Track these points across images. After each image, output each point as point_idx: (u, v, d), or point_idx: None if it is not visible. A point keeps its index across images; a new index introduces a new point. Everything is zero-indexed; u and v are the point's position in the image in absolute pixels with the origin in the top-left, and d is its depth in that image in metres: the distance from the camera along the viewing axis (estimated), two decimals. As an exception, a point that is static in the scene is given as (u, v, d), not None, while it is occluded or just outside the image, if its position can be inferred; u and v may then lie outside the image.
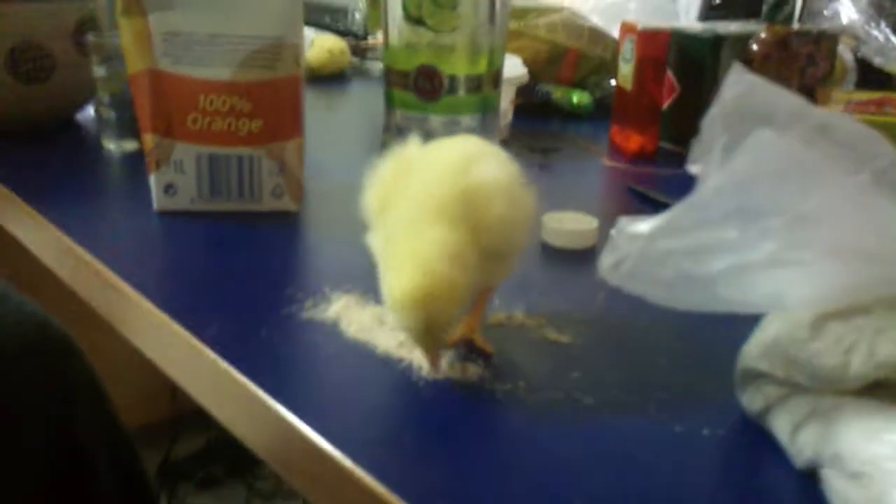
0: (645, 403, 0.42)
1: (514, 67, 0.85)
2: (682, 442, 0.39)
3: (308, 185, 0.69)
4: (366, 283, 0.51)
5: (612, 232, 0.37)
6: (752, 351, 0.39)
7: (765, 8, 1.00)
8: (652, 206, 0.70)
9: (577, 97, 0.99)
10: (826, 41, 0.83)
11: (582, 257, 0.59)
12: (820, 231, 0.34)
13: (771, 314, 0.39)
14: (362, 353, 0.46)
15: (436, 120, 0.67)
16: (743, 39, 0.82)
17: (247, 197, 0.65)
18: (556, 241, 0.60)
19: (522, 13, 1.02)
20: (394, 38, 0.66)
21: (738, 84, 0.36)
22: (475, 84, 0.66)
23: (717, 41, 0.83)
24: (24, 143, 0.80)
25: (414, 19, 0.64)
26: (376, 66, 1.23)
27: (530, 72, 0.95)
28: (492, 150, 0.47)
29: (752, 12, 0.98)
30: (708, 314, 0.38)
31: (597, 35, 1.04)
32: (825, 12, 0.88)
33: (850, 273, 0.34)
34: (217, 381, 0.45)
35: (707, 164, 0.35)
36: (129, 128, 0.79)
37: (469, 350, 0.46)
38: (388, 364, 0.45)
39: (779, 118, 0.35)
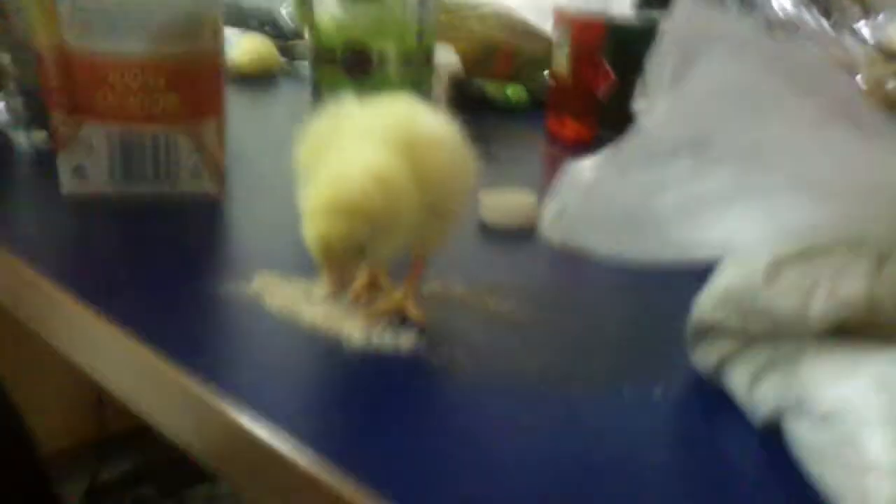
0: (592, 368, 0.39)
1: (445, 55, 0.82)
2: (632, 405, 0.37)
3: (232, 175, 0.65)
4: (290, 264, 0.47)
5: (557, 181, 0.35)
6: (705, 302, 0.36)
7: None
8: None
9: (512, 91, 0.97)
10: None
11: (522, 235, 0.56)
12: (777, 161, 0.31)
13: (725, 264, 0.36)
14: (287, 326, 0.42)
15: (366, 100, 0.64)
16: (678, 26, 0.80)
17: (163, 178, 0.60)
18: (495, 218, 0.57)
19: (454, 7, 1.00)
20: (320, 15, 0.63)
21: (685, 10, 0.33)
22: (406, 61, 0.63)
23: (653, 29, 0.81)
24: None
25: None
26: (306, 67, 1.19)
27: (464, 67, 0.93)
28: (431, 108, 0.44)
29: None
30: (657, 276, 0.36)
31: (530, 30, 1.02)
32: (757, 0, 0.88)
33: (809, 208, 0.32)
34: (130, 360, 0.41)
35: (654, 93, 0.32)
36: (39, 119, 0.74)
37: (401, 321, 0.43)
38: (315, 337, 0.41)
39: (730, 45, 0.33)
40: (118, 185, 0.60)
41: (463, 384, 0.38)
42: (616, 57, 0.81)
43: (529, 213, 0.58)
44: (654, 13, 0.86)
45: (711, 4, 0.35)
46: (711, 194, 0.31)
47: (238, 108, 0.93)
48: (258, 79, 1.11)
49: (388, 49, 0.62)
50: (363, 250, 0.38)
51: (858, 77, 0.74)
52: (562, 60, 0.82)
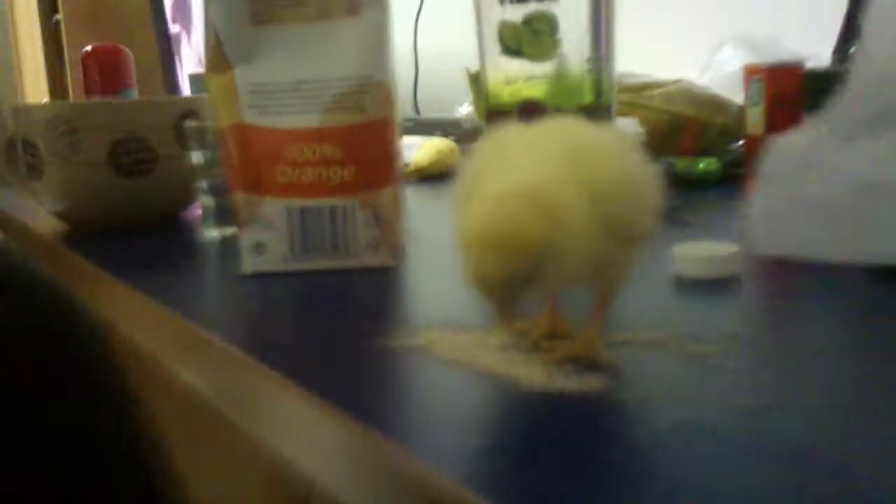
0: (837, 403, 0.33)
1: (629, 126, 0.78)
2: (871, 452, 0.29)
3: (409, 249, 0.64)
4: (463, 318, 0.44)
5: (762, 164, 0.29)
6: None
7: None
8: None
9: (704, 164, 0.91)
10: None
11: (721, 285, 0.50)
12: None
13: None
14: (458, 372, 0.38)
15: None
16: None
17: (341, 252, 0.59)
18: (691, 270, 0.51)
19: (638, 87, 0.96)
20: (491, 73, 0.61)
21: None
22: (584, 114, 0.59)
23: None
24: (124, 238, 0.78)
25: (511, 51, 0.59)
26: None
27: (650, 145, 0.88)
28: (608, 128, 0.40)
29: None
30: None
31: (717, 102, 0.97)
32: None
33: None
34: (295, 412, 0.38)
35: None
36: (229, 214, 0.76)
37: (588, 366, 0.38)
38: (491, 382, 0.37)
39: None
40: (297, 260, 0.59)
41: (659, 424, 0.32)
42: (816, 106, 0.74)
43: (728, 264, 0.51)
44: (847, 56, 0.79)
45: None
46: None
47: (418, 201, 0.93)
48: (440, 176, 1.12)
49: (564, 105, 0.59)
50: (529, 281, 0.33)
51: None
52: (756, 119, 0.76)
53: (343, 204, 0.59)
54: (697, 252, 0.52)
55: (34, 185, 0.83)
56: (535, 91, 0.60)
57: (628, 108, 0.93)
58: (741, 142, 0.88)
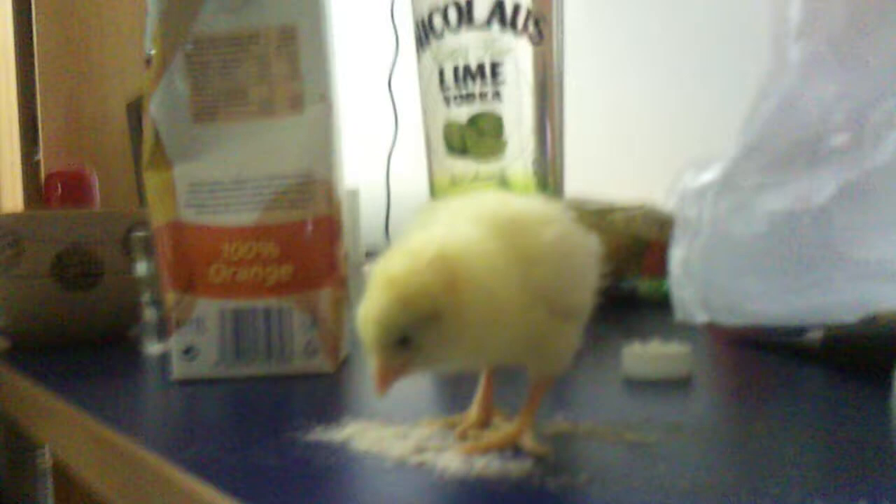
0: (767, 482, 0.29)
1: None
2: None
3: (351, 353, 0.61)
4: (390, 413, 0.40)
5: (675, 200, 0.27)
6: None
7: None
8: (757, 349, 0.57)
9: (668, 285, 0.89)
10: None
11: (671, 386, 0.47)
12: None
13: None
14: (371, 463, 0.34)
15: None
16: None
17: (276, 357, 0.56)
18: (640, 370, 0.49)
19: (599, 210, 0.96)
20: (437, 174, 0.60)
21: None
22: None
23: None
24: (65, 353, 0.75)
25: (457, 151, 0.59)
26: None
27: (613, 266, 0.87)
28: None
29: None
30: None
31: (682, 225, 0.96)
32: None
33: None
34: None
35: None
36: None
37: (513, 455, 0.34)
38: (402, 468, 0.33)
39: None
40: (229, 366, 0.56)
41: (586, 507, 0.28)
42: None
43: (679, 363, 0.48)
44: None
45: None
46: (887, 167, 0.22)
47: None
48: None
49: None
50: (408, 341, 0.30)
51: None
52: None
53: (279, 305, 0.56)
54: (647, 352, 0.49)
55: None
56: (479, 189, 0.58)
57: (589, 230, 0.92)
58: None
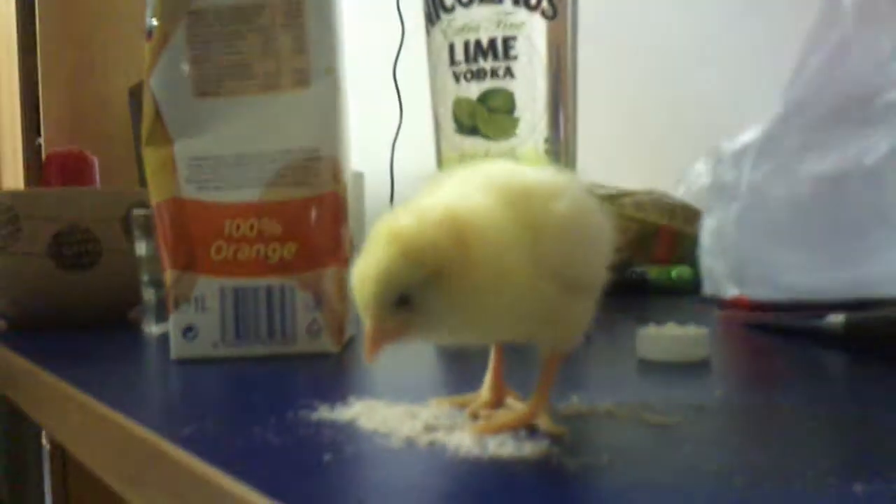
0: (800, 465, 0.27)
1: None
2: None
3: (355, 332, 0.59)
4: (403, 394, 0.39)
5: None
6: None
7: None
8: (776, 334, 0.55)
9: (677, 272, 0.87)
10: None
11: (690, 369, 0.45)
12: None
13: None
14: (379, 442, 0.33)
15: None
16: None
17: (278, 336, 0.54)
18: (656, 353, 0.47)
19: (608, 196, 0.94)
20: (446, 152, 0.58)
21: None
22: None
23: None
24: (61, 334, 0.73)
25: (467, 129, 0.57)
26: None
27: (623, 253, 0.85)
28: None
29: None
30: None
31: (690, 212, 0.94)
32: None
33: None
34: (197, 484, 0.32)
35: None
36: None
37: (528, 435, 0.33)
38: (412, 447, 0.32)
39: None
40: (229, 346, 0.54)
41: (607, 488, 0.27)
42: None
43: (695, 345, 0.47)
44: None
45: None
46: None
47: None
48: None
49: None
50: (407, 301, 0.29)
51: None
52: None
53: (282, 284, 0.54)
54: (663, 334, 0.47)
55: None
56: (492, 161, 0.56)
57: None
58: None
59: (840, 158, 0.22)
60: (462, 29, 0.57)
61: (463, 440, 0.31)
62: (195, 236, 0.55)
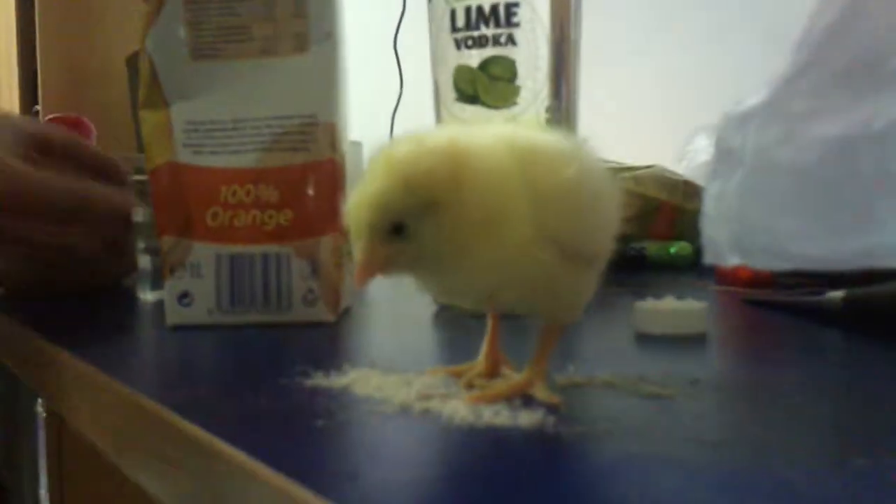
0: (799, 437, 0.27)
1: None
2: (869, 476, 0.24)
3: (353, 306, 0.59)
4: (398, 364, 0.38)
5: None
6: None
7: None
8: (774, 310, 0.55)
9: (676, 248, 0.87)
10: None
11: (687, 342, 0.45)
12: None
13: None
14: (373, 408, 0.32)
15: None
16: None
17: (274, 304, 0.54)
18: (654, 326, 0.46)
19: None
20: (446, 121, 0.58)
21: None
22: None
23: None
24: (58, 301, 0.73)
25: (467, 97, 0.56)
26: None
27: (623, 228, 0.85)
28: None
29: None
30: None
31: (692, 188, 0.93)
32: None
33: None
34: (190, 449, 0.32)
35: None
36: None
37: (524, 404, 0.32)
38: (406, 414, 0.31)
39: None
40: (224, 313, 0.54)
41: (604, 457, 0.26)
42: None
43: (693, 319, 0.46)
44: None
45: None
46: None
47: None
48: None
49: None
50: (402, 230, 0.28)
51: None
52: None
53: (278, 251, 0.54)
54: (660, 307, 0.47)
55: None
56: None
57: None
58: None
59: (849, 123, 0.22)
60: (464, -5, 0.57)
61: (458, 408, 0.31)
62: (191, 202, 0.54)
